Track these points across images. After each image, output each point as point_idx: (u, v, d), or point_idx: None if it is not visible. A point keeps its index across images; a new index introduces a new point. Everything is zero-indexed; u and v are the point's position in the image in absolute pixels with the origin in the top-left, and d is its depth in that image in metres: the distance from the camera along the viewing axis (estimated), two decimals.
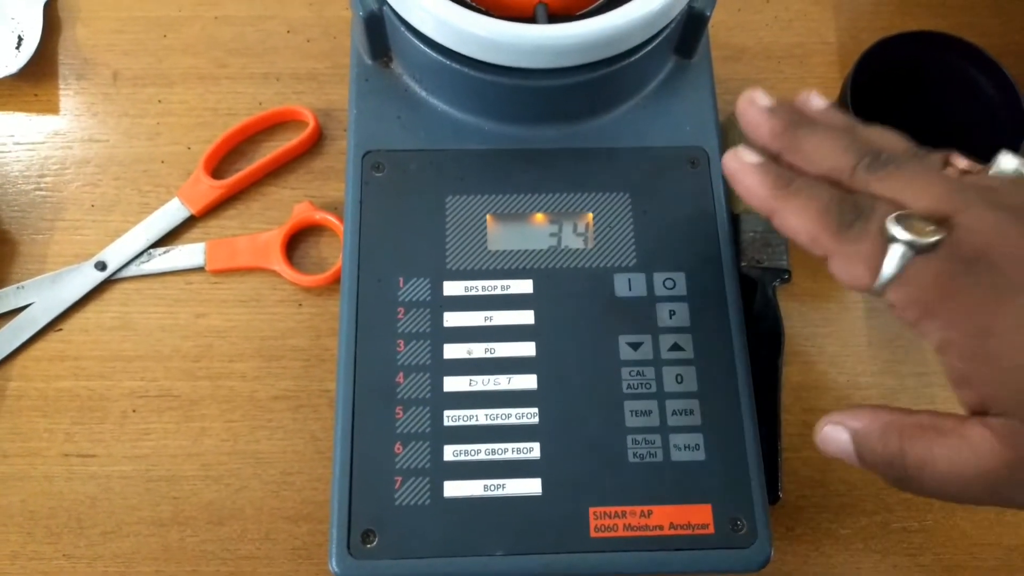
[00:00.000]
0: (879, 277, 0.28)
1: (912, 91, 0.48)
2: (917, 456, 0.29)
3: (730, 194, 0.49)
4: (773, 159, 0.33)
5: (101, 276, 0.48)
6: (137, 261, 0.49)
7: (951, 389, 0.29)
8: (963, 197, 0.28)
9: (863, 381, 0.48)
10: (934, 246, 0.27)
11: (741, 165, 0.33)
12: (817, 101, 0.35)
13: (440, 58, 0.40)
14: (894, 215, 0.28)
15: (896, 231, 0.28)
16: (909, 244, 0.28)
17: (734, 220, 0.49)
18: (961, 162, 0.32)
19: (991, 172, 0.31)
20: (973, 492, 0.28)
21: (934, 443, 0.28)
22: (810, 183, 0.31)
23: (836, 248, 0.30)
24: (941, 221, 0.28)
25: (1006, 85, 0.44)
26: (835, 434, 0.31)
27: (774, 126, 0.33)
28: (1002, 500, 0.28)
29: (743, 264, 0.48)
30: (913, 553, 0.45)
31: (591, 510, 0.37)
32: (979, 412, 0.28)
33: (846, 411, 0.31)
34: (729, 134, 0.50)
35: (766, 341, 0.47)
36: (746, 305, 0.48)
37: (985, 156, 0.44)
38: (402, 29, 0.40)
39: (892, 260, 0.28)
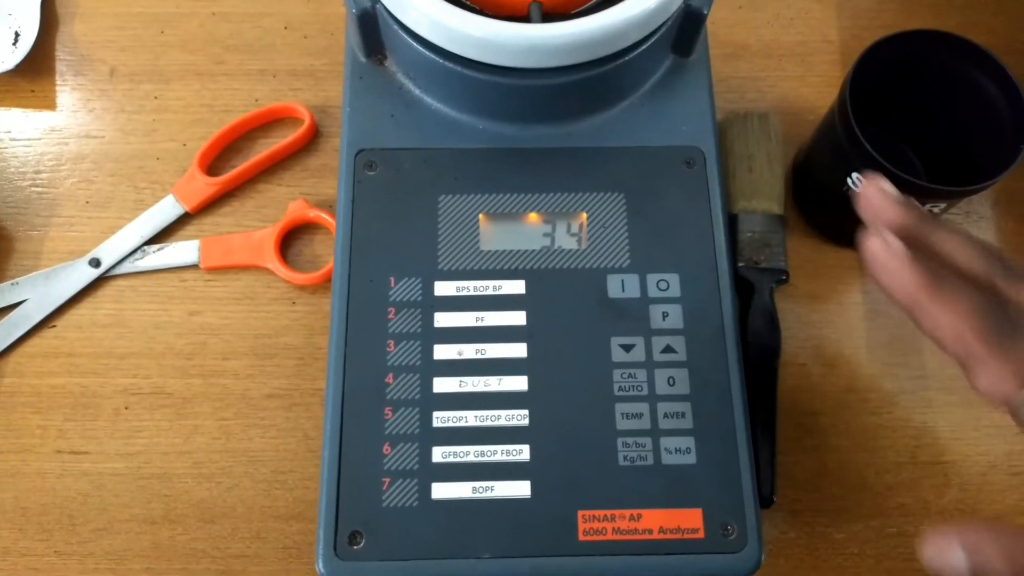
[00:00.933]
0: (1021, 395, 0.29)
1: (913, 91, 0.48)
2: None
3: (727, 195, 0.49)
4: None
5: (95, 273, 0.48)
6: (131, 258, 0.49)
7: None
8: None
9: (861, 384, 0.47)
10: None
11: (889, 254, 0.31)
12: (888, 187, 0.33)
13: (434, 57, 0.40)
14: None
15: None
16: None
17: (731, 220, 0.49)
18: None
19: None
20: None
21: None
22: (962, 286, 0.31)
23: (987, 357, 0.29)
24: None
25: (1009, 85, 0.44)
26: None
27: (908, 215, 0.32)
28: None
29: (741, 265, 0.48)
30: (909, 558, 0.45)
31: (580, 513, 0.36)
32: None
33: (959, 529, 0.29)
34: (727, 134, 0.50)
35: (763, 343, 0.47)
36: (743, 306, 0.48)
37: (986, 157, 0.44)
38: (395, 27, 0.40)
39: None
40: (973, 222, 0.51)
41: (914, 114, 0.49)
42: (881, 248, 0.31)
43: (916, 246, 0.31)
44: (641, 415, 0.38)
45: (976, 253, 0.31)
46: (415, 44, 0.40)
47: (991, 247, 0.32)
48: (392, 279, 0.40)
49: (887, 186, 0.33)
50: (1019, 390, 0.28)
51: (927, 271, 0.31)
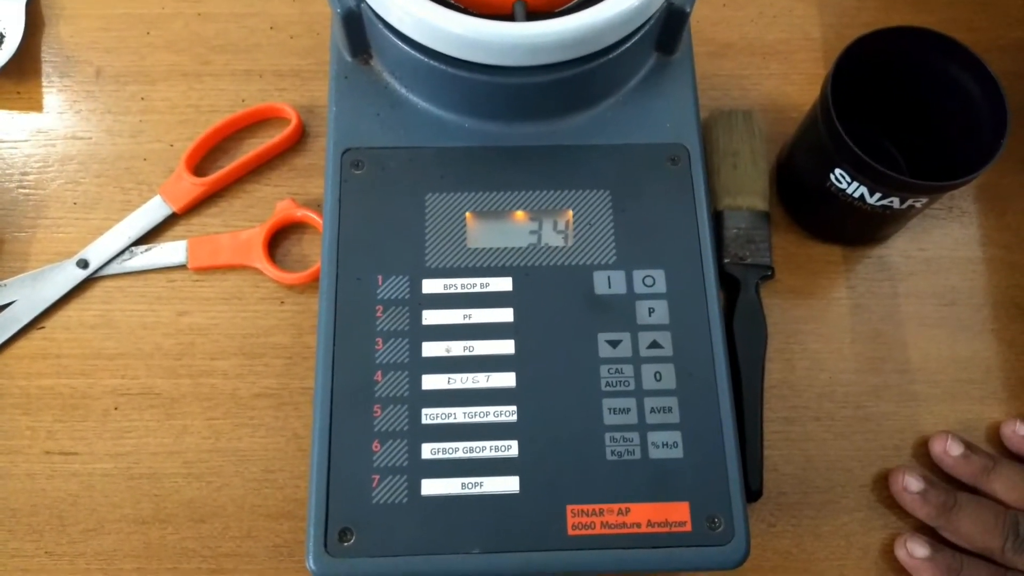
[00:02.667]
0: None
1: (894, 88, 0.48)
2: None
3: (712, 192, 0.49)
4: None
5: (83, 274, 0.48)
6: (119, 259, 0.49)
7: None
8: None
9: (845, 378, 0.48)
10: None
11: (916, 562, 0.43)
12: (955, 449, 0.45)
13: (419, 56, 0.40)
14: None
15: None
16: None
17: (717, 217, 0.49)
18: None
19: None
20: None
21: None
22: (971, 565, 0.42)
23: None
24: None
25: (988, 81, 0.44)
26: None
27: (929, 512, 0.43)
28: None
29: (726, 261, 0.48)
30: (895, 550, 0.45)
31: (568, 508, 0.36)
32: None
33: None
34: (712, 131, 0.50)
35: (749, 338, 0.47)
36: (729, 302, 0.48)
37: (967, 152, 0.44)
38: (380, 26, 0.40)
39: None
40: (955, 217, 0.52)
41: (895, 110, 0.50)
42: (906, 558, 0.43)
43: (946, 530, 0.43)
44: (628, 410, 0.38)
45: (989, 527, 0.41)
46: (400, 43, 0.40)
47: (1012, 517, 0.42)
48: (380, 277, 0.40)
49: (912, 484, 0.44)
50: None
51: (947, 561, 0.42)
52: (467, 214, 0.41)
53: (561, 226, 0.41)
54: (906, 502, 0.44)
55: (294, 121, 0.51)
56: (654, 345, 0.39)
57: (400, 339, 0.39)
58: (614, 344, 0.39)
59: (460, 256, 0.40)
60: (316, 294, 0.48)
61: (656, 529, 0.36)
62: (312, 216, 0.49)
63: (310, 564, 0.36)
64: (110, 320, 0.48)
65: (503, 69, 0.39)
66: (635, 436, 0.38)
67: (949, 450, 0.45)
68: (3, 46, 0.52)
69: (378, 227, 0.41)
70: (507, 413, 0.38)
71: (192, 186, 0.49)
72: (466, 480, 0.37)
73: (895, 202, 0.44)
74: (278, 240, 0.50)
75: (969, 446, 0.45)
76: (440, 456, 0.37)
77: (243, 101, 0.52)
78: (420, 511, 0.36)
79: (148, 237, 0.49)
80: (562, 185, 0.42)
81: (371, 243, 0.40)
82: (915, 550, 0.43)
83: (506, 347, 0.39)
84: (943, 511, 0.43)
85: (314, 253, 0.49)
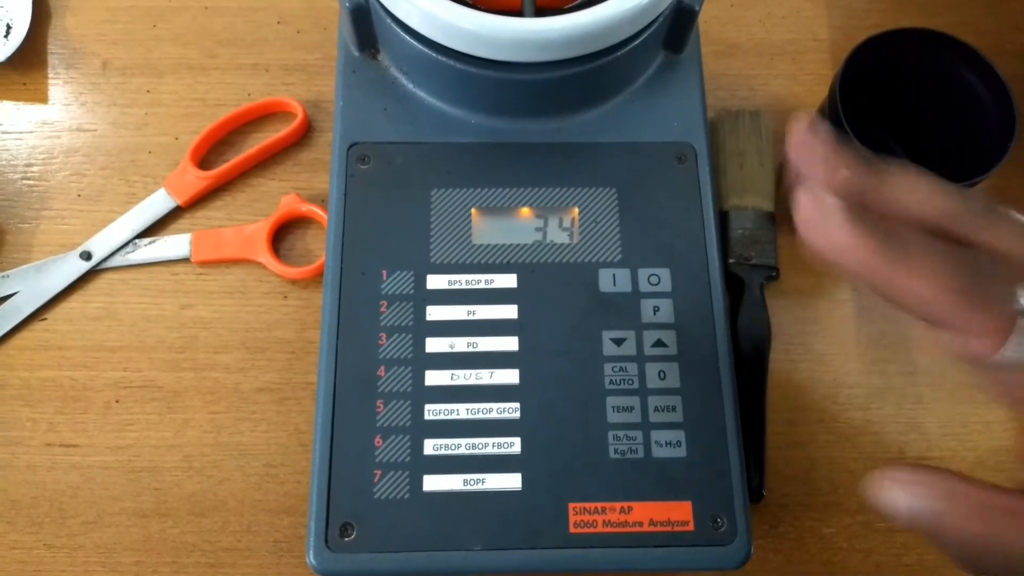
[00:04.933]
0: (1003, 354, 0.24)
1: (902, 89, 0.48)
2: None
3: (718, 191, 0.49)
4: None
5: (86, 266, 0.48)
6: (122, 251, 0.49)
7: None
8: None
9: (849, 380, 0.48)
10: None
11: (826, 214, 0.25)
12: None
13: (426, 51, 0.40)
14: None
15: None
16: None
17: (722, 217, 0.49)
18: None
19: None
20: None
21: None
22: (923, 240, 0.25)
23: (958, 317, 0.24)
24: None
25: (996, 83, 0.44)
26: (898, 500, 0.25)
27: (851, 175, 0.26)
28: None
29: (731, 261, 0.48)
30: (897, 553, 0.45)
31: (570, 506, 0.36)
32: None
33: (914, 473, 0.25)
34: (719, 131, 0.50)
35: (753, 339, 0.47)
36: (734, 302, 0.48)
37: (974, 155, 0.44)
38: (388, 21, 0.40)
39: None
40: None
41: (903, 112, 0.50)
42: (813, 206, 0.25)
43: (863, 203, 0.26)
44: (632, 408, 0.38)
45: (931, 195, 0.26)
46: (408, 38, 0.40)
47: (945, 186, 0.26)
48: (384, 272, 0.40)
49: (823, 134, 0.27)
50: (997, 353, 0.24)
51: (884, 233, 0.25)
52: (472, 210, 0.41)
53: (567, 223, 0.41)
54: (812, 151, 0.27)
55: (300, 116, 0.50)
56: (659, 344, 0.39)
57: (404, 335, 0.39)
58: (618, 342, 0.39)
59: (465, 252, 0.40)
60: (320, 289, 0.48)
61: (658, 528, 0.36)
62: (317, 211, 0.49)
63: (311, 559, 0.36)
64: (113, 312, 0.48)
65: (511, 65, 0.39)
66: (638, 435, 0.38)
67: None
68: (10, 37, 0.52)
69: (383, 222, 0.41)
70: (510, 410, 0.38)
71: (197, 179, 0.49)
72: (468, 476, 0.37)
73: None
74: (282, 235, 0.49)
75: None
76: (442, 452, 0.37)
77: (249, 95, 0.52)
78: (422, 507, 0.36)
79: (152, 230, 0.49)
80: (568, 182, 0.42)
81: (376, 238, 0.40)
82: (831, 201, 0.25)
83: (510, 344, 0.39)
84: (870, 171, 0.26)
85: (318, 248, 0.49)
